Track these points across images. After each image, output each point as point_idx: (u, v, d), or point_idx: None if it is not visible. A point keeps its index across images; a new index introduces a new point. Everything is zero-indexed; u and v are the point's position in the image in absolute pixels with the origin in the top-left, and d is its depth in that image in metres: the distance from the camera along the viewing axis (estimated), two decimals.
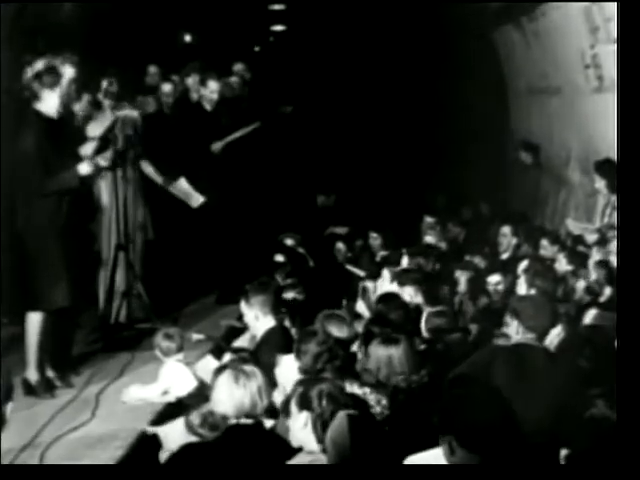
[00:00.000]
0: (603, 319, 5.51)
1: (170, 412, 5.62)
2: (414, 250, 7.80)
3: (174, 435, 4.97)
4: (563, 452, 3.74)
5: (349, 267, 9.03)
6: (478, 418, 3.40)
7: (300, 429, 3.87)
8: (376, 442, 3.75)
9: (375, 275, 7.73)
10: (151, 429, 5.33)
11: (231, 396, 4.17)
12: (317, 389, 3.91)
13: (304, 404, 3.89)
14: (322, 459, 3.76)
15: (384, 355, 4.61)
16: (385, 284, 7.12)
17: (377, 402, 4.35)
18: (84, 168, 6.04)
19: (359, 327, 5.58)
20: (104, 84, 7.92)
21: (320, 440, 3.80)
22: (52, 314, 6.07)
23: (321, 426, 3.81)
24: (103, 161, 6.39)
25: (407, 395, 4.42)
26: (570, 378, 4.65)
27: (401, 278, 6.63)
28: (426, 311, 5.99)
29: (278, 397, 4.75)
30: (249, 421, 4.15)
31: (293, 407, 3.92)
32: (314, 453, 3.80)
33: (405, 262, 7.56)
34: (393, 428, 4.11)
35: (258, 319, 5.79)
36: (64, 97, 5.99)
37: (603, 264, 6.41)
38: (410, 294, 6.41)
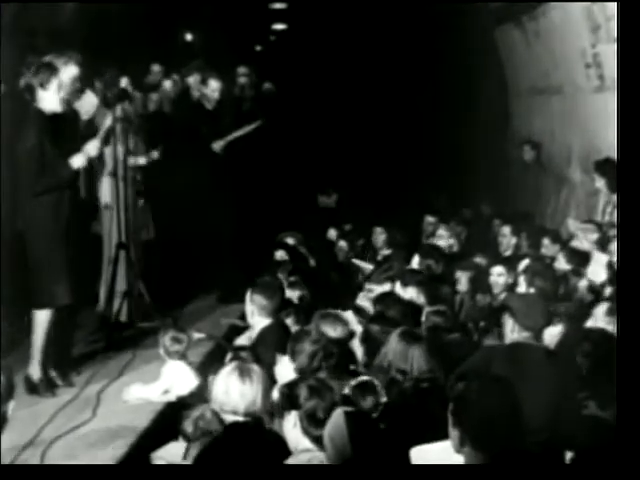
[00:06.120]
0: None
1: (171, 411, 5.62)
2: (426, 250, 7.74)
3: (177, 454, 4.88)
4: (569, 454, 3.74)
5: (355, 261, 8.99)
6: (489, 417, 3.35)
7: (291, 429, 3.88)
8: (375, 438, 3.75)
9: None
10: (156, 455, 5.10)
11: (243, 395, 4.13)
12: (301, 386, 3.93)
13: (291, 404, 3.90)
14: (318, 456, 3.75)
15: (403, 350, 4.65)
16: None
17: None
18: (78, 161, 5.99)
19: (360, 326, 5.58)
20: (106, 83, 7.91)
21: (307, 434, 3.80)
22: (55, 312, 6.07)
23: (307, 420, 3.81)
24: (93, 150, 6.15)
25: (415, 393, 4.42)
26: (568, 377, 4.65)
27: (405, 279, 6.59)
28: (426, 310, 5.98)
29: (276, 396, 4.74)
30: (248, 419, 4.13)
31: (282, 409, 3.94)
32: (310, 451, 3.79)
33: (416, 262, 7.48)
34: (393, 423, 4.11)
35: (254, 315, 5.90)
36: (65, 93, 5.95)
37: (609, 265, 6.40)
38: (412, 295, 6.41)
